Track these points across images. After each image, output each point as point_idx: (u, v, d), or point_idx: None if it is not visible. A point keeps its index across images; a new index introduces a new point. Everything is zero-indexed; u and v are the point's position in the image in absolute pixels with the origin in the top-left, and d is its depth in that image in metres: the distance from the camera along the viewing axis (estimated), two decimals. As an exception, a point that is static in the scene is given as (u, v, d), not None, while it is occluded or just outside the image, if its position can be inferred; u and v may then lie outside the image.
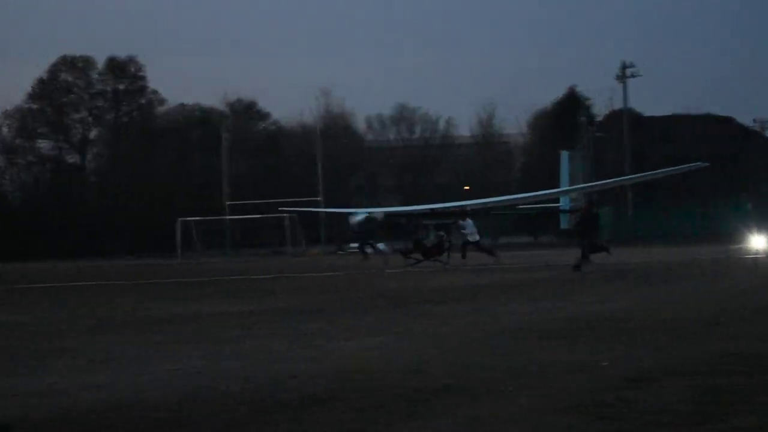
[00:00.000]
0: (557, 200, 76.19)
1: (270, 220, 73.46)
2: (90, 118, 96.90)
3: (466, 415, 7.53)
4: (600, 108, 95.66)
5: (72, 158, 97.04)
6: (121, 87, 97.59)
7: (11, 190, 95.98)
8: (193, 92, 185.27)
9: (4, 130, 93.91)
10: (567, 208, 73.56)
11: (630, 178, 55.54)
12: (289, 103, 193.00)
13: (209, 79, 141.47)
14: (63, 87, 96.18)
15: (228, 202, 73.69)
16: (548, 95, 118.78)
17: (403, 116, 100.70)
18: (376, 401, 8.14)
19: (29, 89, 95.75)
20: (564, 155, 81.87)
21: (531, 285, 23.90)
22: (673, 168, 58.70)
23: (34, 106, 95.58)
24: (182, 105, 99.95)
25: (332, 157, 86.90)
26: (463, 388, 8.69)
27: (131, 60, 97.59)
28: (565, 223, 74.05)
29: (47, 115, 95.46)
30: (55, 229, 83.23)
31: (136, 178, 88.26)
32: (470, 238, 39.11)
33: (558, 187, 75.36)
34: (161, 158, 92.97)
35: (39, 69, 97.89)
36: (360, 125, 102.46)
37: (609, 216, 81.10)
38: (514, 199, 55.63)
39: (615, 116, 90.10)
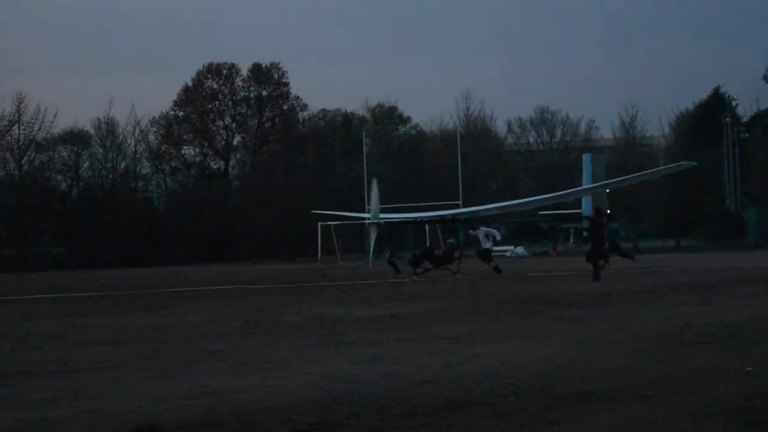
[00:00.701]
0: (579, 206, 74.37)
1: (410, 224, 73.52)
2: (233, 124, 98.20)
3: (606, 422, 7.49)
4: (745, 109, 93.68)
5: (216, 164, 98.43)
6: (264, 93, 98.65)
7: (157, 196, 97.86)
8: (335, 98, 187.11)
9: (151, 137, 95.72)
10: (589, 214, 71.31)
11: (617, 181, 53.94)
12: (429, 108, 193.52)
13: (350, 84, 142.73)
14: (208, 94, 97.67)
15: (369, 207, 73.79)
16: (692, 96, 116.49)
17: (544, 119, 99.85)
18: (516, 406, 8.14)
19: (175, 97, 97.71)
20: (586, 158, 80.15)
21: (664, 290, 23.46)
22: (659, 168, 57.25)
23: (180, 113, 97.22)
24: (324, 110, 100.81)
25: (472, 160, 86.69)
26: (604, 393, 8.64)
27: (274, 66, 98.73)
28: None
29: (192, 122, 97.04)
30: (198, 234, 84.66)
31: (278, 182, 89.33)
32: (483, 246, 38.11)
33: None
34: (303, 163, 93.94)
35: (185, 77, 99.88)
36: (500, 129, 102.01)
37: (753, 218, 79.28)
38: (518, 204, 53.44)
39: (761, 117, 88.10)
